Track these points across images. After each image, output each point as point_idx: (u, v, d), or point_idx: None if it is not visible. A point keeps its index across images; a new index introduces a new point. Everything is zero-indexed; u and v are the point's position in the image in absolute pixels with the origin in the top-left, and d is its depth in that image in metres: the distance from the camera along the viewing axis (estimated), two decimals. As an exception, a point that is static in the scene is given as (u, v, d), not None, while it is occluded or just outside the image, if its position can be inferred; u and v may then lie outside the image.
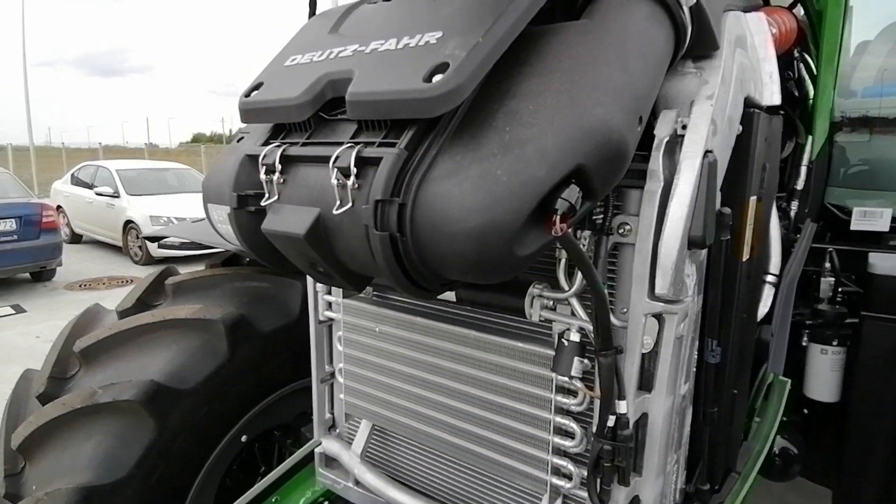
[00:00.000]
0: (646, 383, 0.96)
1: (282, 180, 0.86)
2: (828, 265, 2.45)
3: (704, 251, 1.01)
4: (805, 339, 2.41)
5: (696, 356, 1.13)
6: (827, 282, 2.44)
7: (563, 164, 0.70)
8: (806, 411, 2.52)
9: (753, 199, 1.18)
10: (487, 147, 0.72)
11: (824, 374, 2.39)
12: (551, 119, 0.72)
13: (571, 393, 0.97)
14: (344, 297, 1.31)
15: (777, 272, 1.71)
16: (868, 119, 3.24)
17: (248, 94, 0.95)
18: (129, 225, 10.13)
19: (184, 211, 9.54)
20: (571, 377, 0.91)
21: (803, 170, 2.59)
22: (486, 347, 1.07)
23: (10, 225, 7.87)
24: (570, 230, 0.73)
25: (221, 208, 0.96)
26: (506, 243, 0.70)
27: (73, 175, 12.23)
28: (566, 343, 0.91)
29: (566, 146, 0.70)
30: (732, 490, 1.27)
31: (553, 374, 0.97)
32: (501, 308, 1.03)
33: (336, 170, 0.77)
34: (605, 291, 0.83)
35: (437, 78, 0.71)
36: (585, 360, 0.92)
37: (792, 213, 2.61)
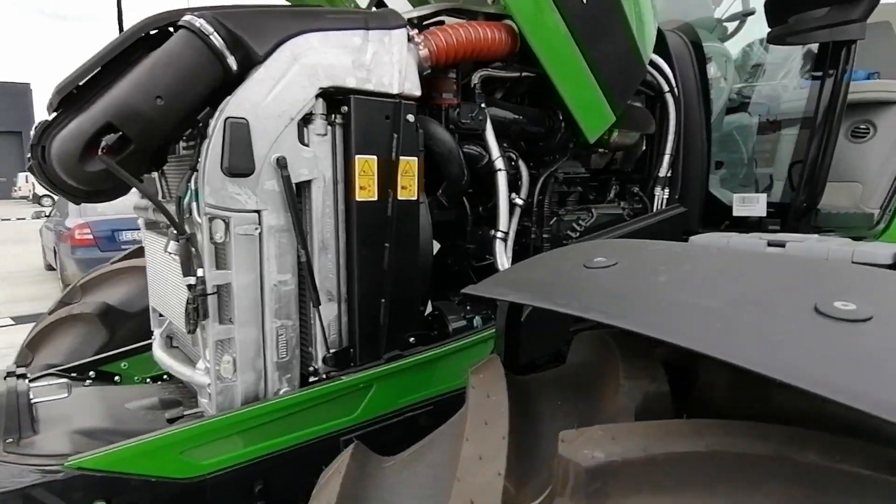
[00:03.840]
0: (227, 263, 1.56)
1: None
2: None
3: (271, 181, 1.57)
4: None
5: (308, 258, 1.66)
6: None
7: (98, 121, 1.36)
8: None
9: (370, 157, 1.69)
10: (78, 117, 1.41)
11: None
12: (103, 97, 1.39)
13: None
14: (147, 230, 2.06)
15: (505, 230, 2.08)
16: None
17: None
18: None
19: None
20: (168, 252, 1.54)
21: (665, 158, 2.84)
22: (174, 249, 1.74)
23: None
24: (112, 159, 1.38)
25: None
26: (77, 162, 1.37)
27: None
28: (170, 233, 1.55)
29: (101, 111, 1.37)
30: (366, 368, 1.73)
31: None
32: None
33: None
34: (159, 199, 1.46)
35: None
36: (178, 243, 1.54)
37: (659, 197, 2.86)
